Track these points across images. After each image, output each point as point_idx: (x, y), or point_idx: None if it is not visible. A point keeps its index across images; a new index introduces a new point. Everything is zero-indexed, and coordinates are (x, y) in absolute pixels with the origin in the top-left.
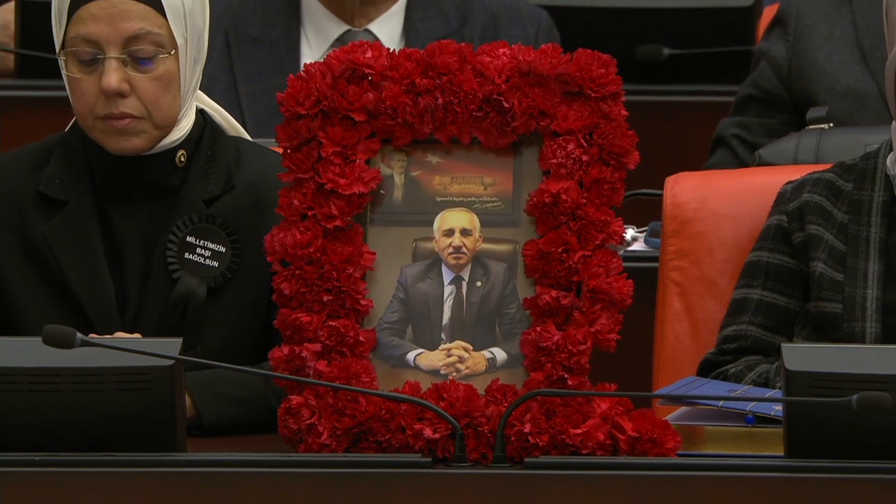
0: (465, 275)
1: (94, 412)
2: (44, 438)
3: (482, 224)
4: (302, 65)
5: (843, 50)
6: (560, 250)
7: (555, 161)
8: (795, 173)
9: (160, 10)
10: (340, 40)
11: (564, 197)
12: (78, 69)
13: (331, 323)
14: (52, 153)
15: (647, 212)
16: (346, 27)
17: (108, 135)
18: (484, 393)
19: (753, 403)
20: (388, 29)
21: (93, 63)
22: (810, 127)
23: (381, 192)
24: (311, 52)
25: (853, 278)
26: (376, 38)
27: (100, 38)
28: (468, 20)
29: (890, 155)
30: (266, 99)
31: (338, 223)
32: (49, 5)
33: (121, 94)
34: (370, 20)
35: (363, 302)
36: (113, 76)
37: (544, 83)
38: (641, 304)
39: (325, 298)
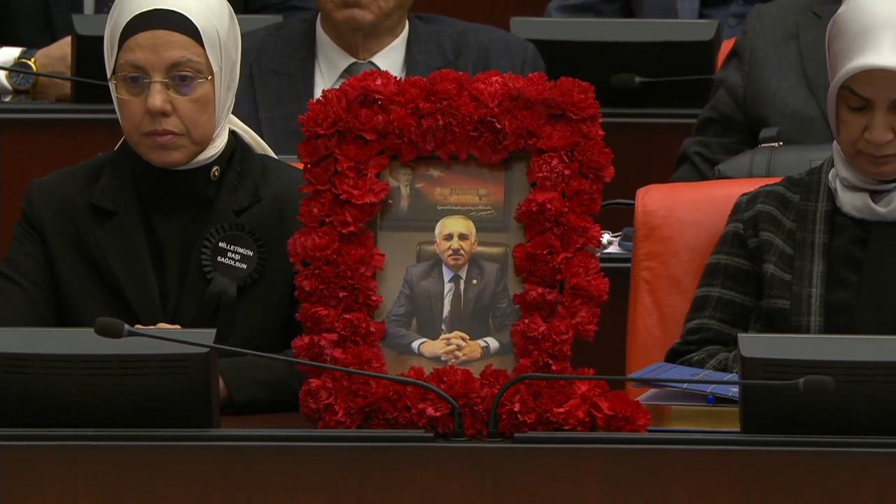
0: (463, 274)
1: (139, 393)
2: (95, 416)
3: (477, 230)
4: (315, 93)
5: (791, 79)
6: (545, 252)
7: (541, 175)
8: (750, 186)
9: (199, 41)
10: (348, 71)
11: (549, 206)
12: (126, 91)
13: (345, 316)
14: (103, 169)
15: (621, 219)
16: (353, 59)
17: (151, 149)
18: (479, 377)
19: (713, 386)
20: (389, 61)
21: (139, 86)
22: (762, 145)
23: (390, 201)
24: (324, 81)
25: (800, 278)
26: (379, 69)
27: (146, 64)
28: (462, 52)
29: (832, 170)
30: (283, 123)
31: (352, 229)
32: (100, 40)
33: (164, 114)
34: (373, 53)
35: (374, 297)
36: (157, 97)
37: (531, 107)
38: (616, 300)
39: (340, 294)
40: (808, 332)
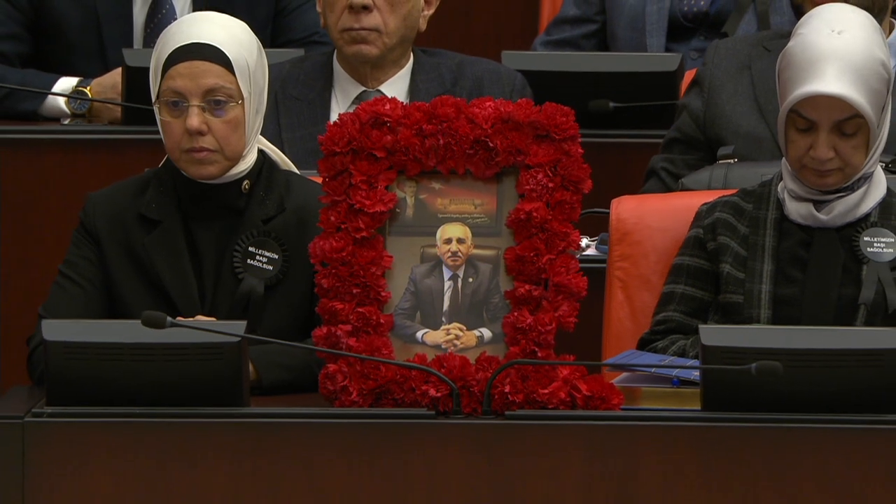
0: (460, 273)
1: (179, 377)
2: (142, 397)
3: (473, 234)
4: (332, 116)
5: (745, 104)
6: (532, 254)
7: (528, 187)
8: (709, 197)
9: (231, 70)
10: (359, 98)
11: (535, 214)
12: (168, 114)
13: (359, 309)
14: (149, 183)
15: (597, 225)
16: (363, 88)
17: (190, 164)
18: (474, 362)
19: (678, 370)
20: (395, 89)
21: (179, 109)
22: (720, 162)
23: (397, 210)
24: (339, 106)
25: (752, 276)
26: (386, 96)
27: (185, 90)
28: (459, 81)
29: (780, 183)
30: (304, 143)
31: (364, 234)
32: (147, 70)
33: (200, 133)
34: (381, 82)
35: (383, 294)
36: (195, 119)
37: (520, 128)
38: (593, 296)
39: (354, 291)
40: (757, 322)
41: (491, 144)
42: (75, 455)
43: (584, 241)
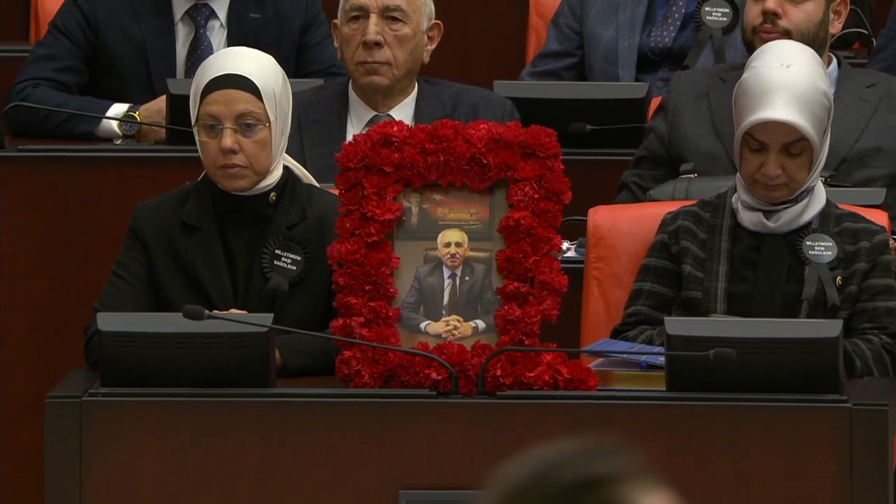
0: (458, 272)
1: (215, 362)
2: (183, 379)
3: (469, 239)
4: (347, 137)
5: (703, 127)
6: (520, 256)
7: (517, 198)
8: (673, 207)
9: (259, 98)
10: (371, 121)
11: (523, 221)
12: (206, 135)
13: (370, 304)
14: (189, 195)
15: (577, 231)
16: (375, 113)
17: (224, 178)
18: (471, 349)
19: (646, 356)
20: (402, 113)
21: (215, 131)
22: (682, 177)
23: (403, 218)
24: (353, 128)
25: (709, 276)
26: (395, 120)
27: (219, 114)
28: (458, 107)
29: (734, 195)
30: (323, 160)
31: (375, 238)
32: (188, 97)
33: (233, 151)
34: (390, 108)
35: (391, 290)
36: (228, 139)
37: (510, 147)
38: (573, 292)
39: (366, 288)
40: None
41: (485, 161)
42: (126, 429)
43: (565, 245)
